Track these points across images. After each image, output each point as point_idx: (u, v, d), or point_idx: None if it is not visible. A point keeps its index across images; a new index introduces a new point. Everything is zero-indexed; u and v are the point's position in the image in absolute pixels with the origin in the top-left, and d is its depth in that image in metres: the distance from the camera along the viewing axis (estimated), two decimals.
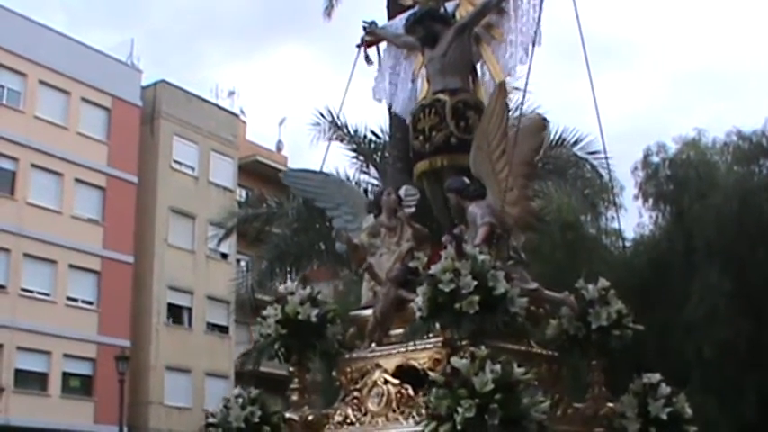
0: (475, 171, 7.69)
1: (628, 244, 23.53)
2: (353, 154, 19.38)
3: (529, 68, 7.89)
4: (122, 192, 38.02)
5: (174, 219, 40.03)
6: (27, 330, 33.41)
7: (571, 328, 7.60)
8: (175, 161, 40.67)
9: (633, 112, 70.73)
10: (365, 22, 9.10)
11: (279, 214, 21.52)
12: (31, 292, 34.70)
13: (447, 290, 6.49)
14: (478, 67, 8.63)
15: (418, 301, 6.70)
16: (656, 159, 23.79)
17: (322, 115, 19.25)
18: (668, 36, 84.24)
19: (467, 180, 7.74)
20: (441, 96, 8.18)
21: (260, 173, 42.13)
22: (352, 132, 19.38)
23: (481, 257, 6.65)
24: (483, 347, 6.16)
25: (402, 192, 8.22)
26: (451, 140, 8.04)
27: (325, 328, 7.58)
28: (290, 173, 9.19)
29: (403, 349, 7.26)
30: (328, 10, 19.76)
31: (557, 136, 17.76)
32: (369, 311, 7.76)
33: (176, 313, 39.75)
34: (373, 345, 7.57)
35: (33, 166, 35.36)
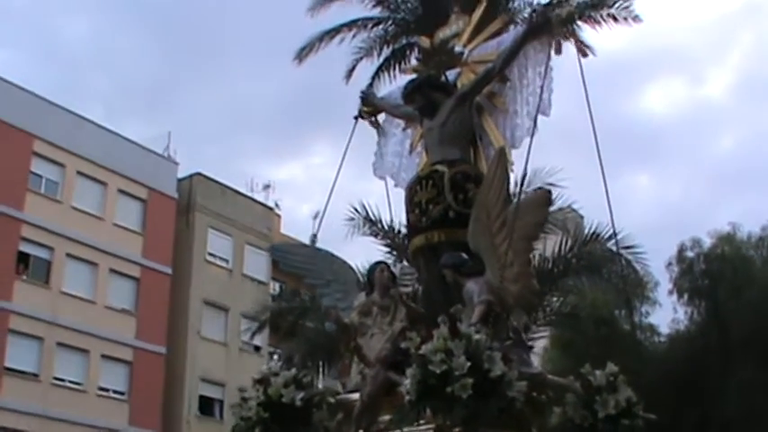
0: (473, 245, 7.24)
1: (663, 339, 23.10)
2: (387, 249, 19.10)
3: (531, 138, 7.48)
4: (156, 283, 37.91)
5: (208, 311, 39.83)
6: (58, 419, 32.99)
7: (576, 416, 7.06)
8: (210, 253, 40.62)
9: (667, 206, 69.95)
10: (362, 91, 8.75)
11: (312, 308, 21.28)
12: (63, 381, 34.39)
13: (438, 371, 6.06)
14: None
15: (407, 383, 6.21)
16: (690, 254, 23.70)
17: (356, 210, 19.10)
18: (702, 129, 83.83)
19: (464, 255, 7.27)
20: (439, 167, 7.81)
21: None
22: (386, 227, 19.12)
23: (476, 337, 6.21)
24: None
25: (397, 270, 7.74)
26: (449, 214, 7.65)
27: (310, 413, 7.07)
28: (278, 247, 8.76)
29: None
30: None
31: (590, 231, 17.68)
32: (356, 395, 7.29)
33: (208, 405, 39.18)
34: (360, 431, 7.07)
35: (68, 255, 35.38)
